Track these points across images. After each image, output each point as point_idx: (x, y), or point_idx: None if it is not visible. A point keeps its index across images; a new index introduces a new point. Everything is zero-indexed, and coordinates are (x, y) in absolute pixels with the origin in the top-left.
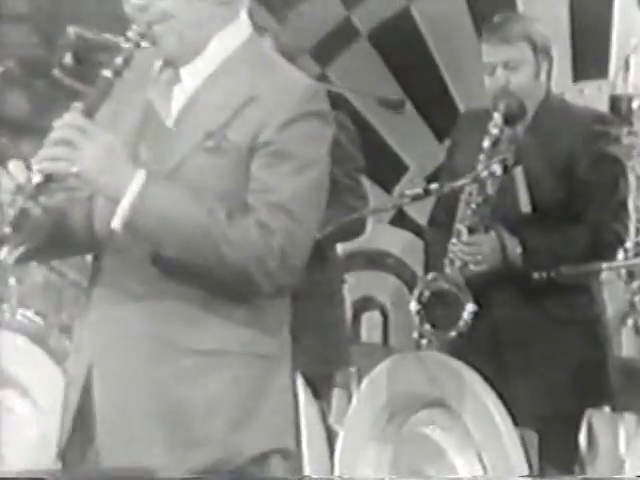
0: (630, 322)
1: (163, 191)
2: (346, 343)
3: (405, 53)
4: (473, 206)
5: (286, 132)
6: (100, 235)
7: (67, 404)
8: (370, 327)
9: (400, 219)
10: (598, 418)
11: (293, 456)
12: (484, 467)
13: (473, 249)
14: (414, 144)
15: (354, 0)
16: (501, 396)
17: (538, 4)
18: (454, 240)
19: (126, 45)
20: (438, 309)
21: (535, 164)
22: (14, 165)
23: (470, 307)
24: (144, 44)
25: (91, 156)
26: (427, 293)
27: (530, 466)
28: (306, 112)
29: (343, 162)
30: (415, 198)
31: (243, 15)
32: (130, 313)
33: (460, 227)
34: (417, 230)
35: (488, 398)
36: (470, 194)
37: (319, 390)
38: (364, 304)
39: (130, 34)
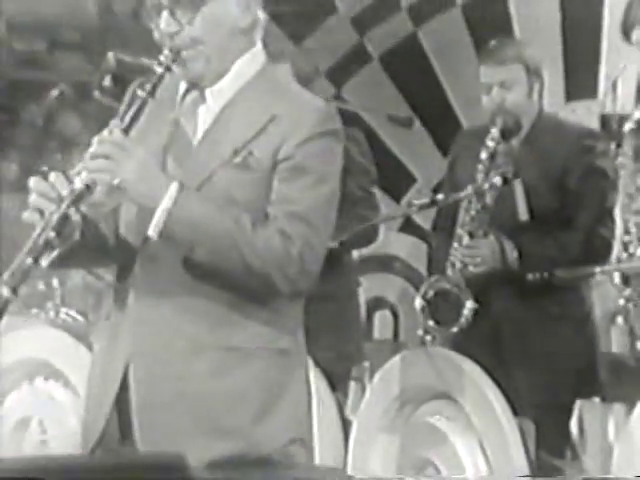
0: (620, 320)
1: (195, 201)
2: (361, 340)
3: (413, 74)
4: (473, 213)
5: (304, 149)
6: (127, 244)
7: (101, 398)
8: (382, 325)
9: (408, 226)
10: (589, 408)
11: (309, 445)
12: (485, 454)
13: (472, 252)
14: (421, 158)
15: (366, 26)
16: (501, 388)
17: (532, 30)
18: (455, 244)
19: (159, 69)
20: (441, 308)
21: (530, 175)
22: (54, 176)
23: (470, 304)
24: (174, 68)
25: (130, 169)
26: (431, 292)
27: (527, 453)
28: (322, 131)
29: (357, 176)
30: (422, 207)
31: (259, 44)
32: (164, 314)
33: (461, 232)
34: (423, 236)
35: (489, 390)
36: (470, 202)
37: (336, 383)
38: (376, 304)
39: (162, 58)
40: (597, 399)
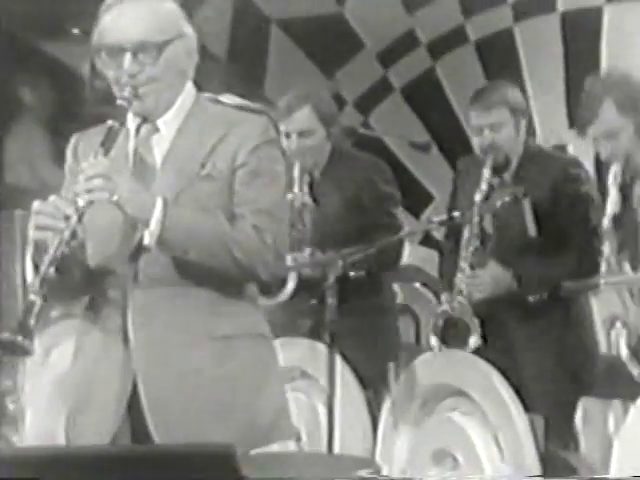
0: (618, 325)
1: (180, 211)
2: (396, 346)
3: (431, 104)
4: (471, 249)
5: (256, 155)
6: (100, 272)
7: (109, 399)
8: (405, 329)
9: (428, 240)
10: (590, 405)
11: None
12: (499, 445)
13: (475, 281)
14: (438, 178)
15: (390, 61)
16: (513, 386)
17: (537, 62)
18: (459, 275)
19: (123, 103)
20: (451, 331)
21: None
22: (55, 199)
23: (473, 340)
24: (135, 102)
25: (124, 187)
26: (440, 322)
27: (537, 445)
28: (266, 140)
29: (382, 201)
30: (441, 224)
31: (190, 81)
32: (161, 314)
33: (463, 265)
34: (440, 249)
35: (502, 388)
36: (470, 240)
37: (371, 383)
38: (400, 310)
39: (125, 94)
40: (598, 396)
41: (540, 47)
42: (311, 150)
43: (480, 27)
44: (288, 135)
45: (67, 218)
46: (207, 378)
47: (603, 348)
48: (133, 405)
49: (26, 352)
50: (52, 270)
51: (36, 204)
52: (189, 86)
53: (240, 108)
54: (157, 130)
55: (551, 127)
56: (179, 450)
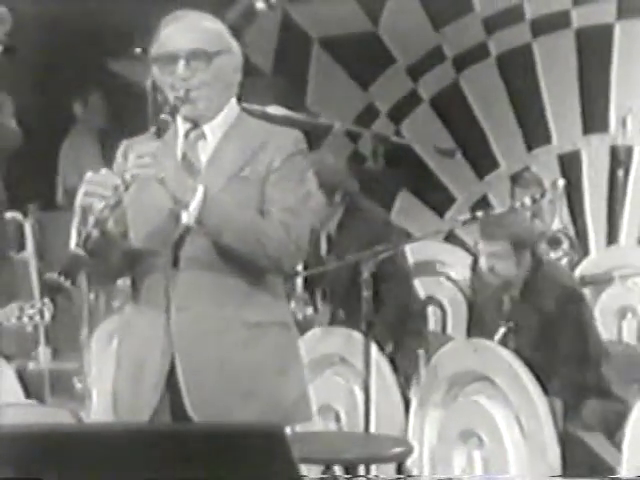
0: (629, 315)
1: (218, 196)
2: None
3: (456, 114)
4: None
5: (288, 162)
6: (140, 256)
7: (158, 373)
8: (433, 319)
9: (452, 237)
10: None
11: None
12: (520, 425)
13: None
14: (461, 181)
15: (418, 74)
16: (534, 372)
17: (554, 74)
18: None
19: (176, 102)
20: None
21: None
22: (105, 171)
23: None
24: (187, 105)
25: (169, 167)
26: None
27: (556, 425)
28: (298, 150)
29: (391, 255)
30: (465, 223)
31: (234, 97)
32: (200, 301)
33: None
34: (464, 245)
35: (523, 373)
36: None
37: (403, 368)
38: (427, 302)
39: (179, 94)
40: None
41: (556, 60)
42: None
43: (501, 43)
44: None
45: (115, 188)
46: (239, 361)
47: (616, 336)
48: (171, 383)
49: (66, 294)
50: (96, 231)
51: (88, 174)
52: (233, 101)
53: (274, 121)
54: (204, 136)
55: (566, 134)
56: (229, 428)
